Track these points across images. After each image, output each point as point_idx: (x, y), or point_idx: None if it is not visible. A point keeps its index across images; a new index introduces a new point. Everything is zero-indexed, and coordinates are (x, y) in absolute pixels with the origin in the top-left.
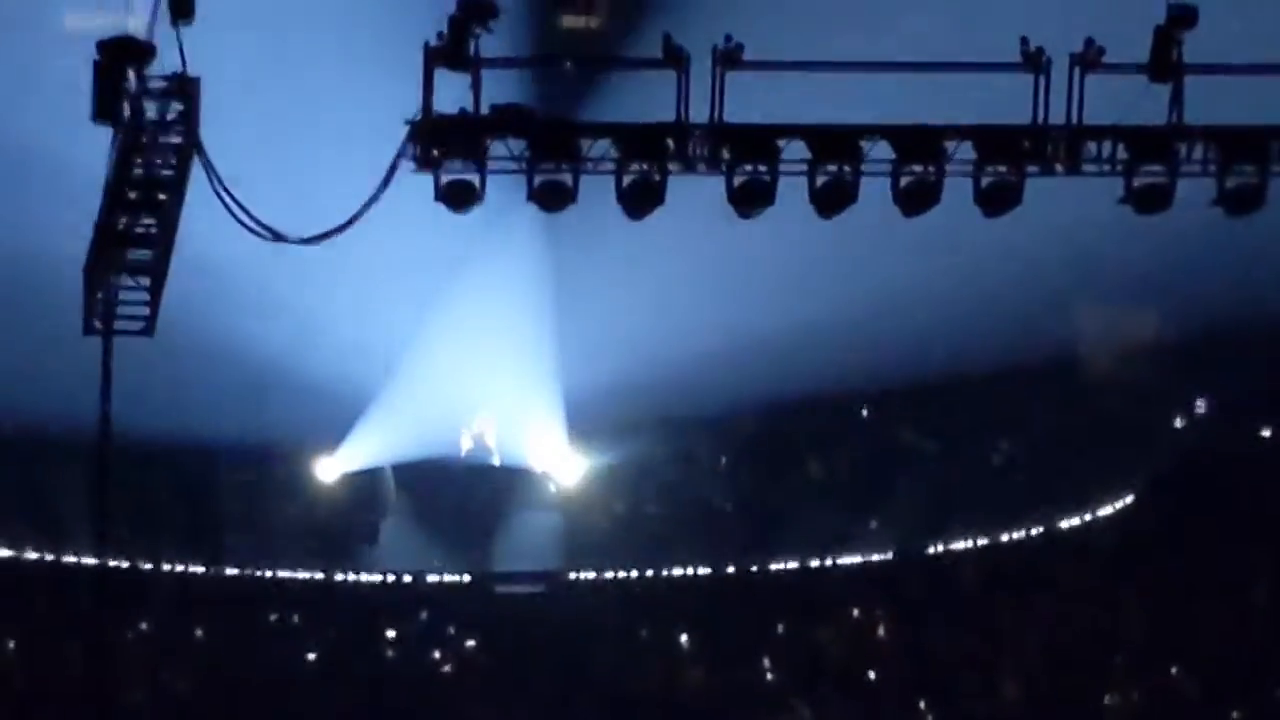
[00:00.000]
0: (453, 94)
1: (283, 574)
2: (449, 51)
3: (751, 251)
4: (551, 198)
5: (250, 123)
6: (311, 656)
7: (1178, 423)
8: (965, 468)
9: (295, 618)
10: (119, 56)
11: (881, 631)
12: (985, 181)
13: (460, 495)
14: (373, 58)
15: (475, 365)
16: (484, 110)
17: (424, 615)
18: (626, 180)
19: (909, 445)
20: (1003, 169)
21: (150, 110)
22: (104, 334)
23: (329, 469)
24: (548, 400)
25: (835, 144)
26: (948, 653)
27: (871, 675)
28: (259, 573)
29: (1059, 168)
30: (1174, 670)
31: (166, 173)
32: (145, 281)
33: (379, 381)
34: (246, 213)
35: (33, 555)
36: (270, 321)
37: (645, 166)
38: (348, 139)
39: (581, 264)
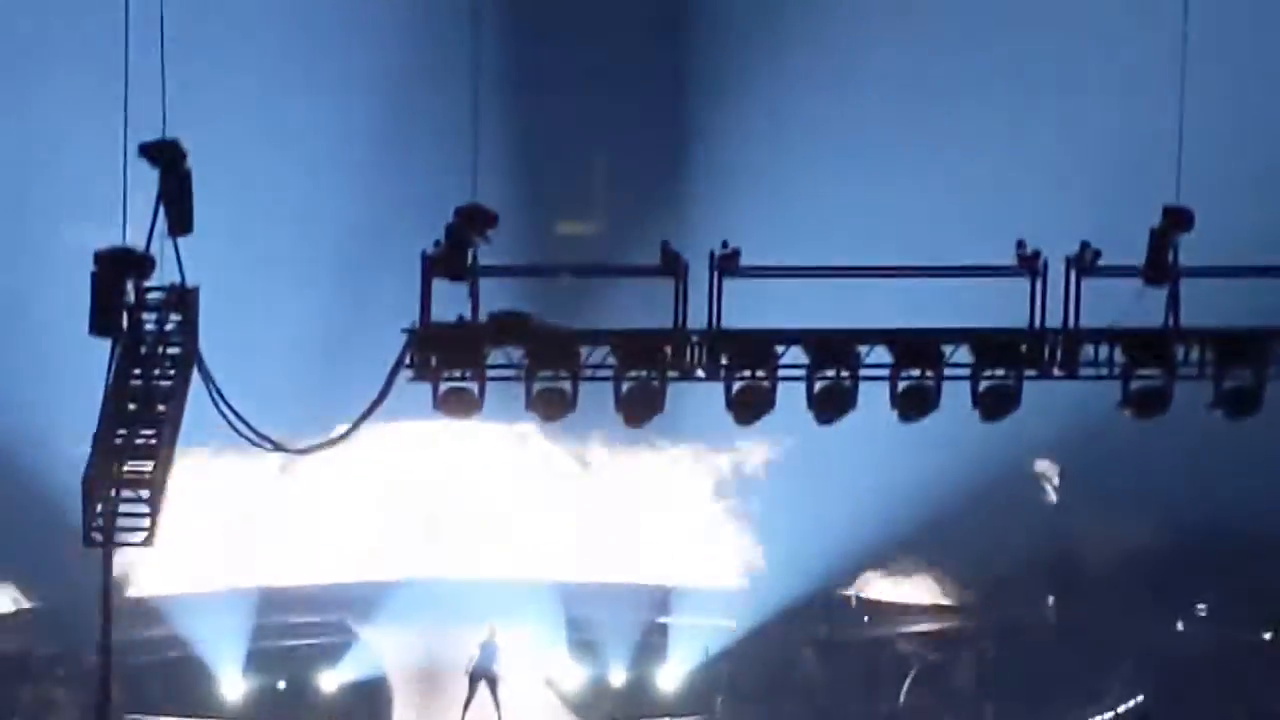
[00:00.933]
0: (451, 301)
1: None
2: (447, 260)
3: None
4: (549, 406)
5: (248, 329)
6: None
7: (1179, 626)
8: (958, 673)
9: None
10: (117, 268)
11: None
12: (983, 385)
13: (465, 700)
14: (371, 266)
15: (480, 577)
16: (482, 318)
17: None
18: (625, 387)
19: (911, 652)
20: (1000, 373)
21: (149, 322)
22: (104, 545)
23: (330, 680)
24: (550, 611)
25: (833, 349)
26: None
27: None
28: None
29: (1057, 371)
30: None
31: (166, 383)
32: (145, 494)
33: (382, 592)
34: (246, 424)
35: None
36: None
37: (644, 374)
38: (347, 347)
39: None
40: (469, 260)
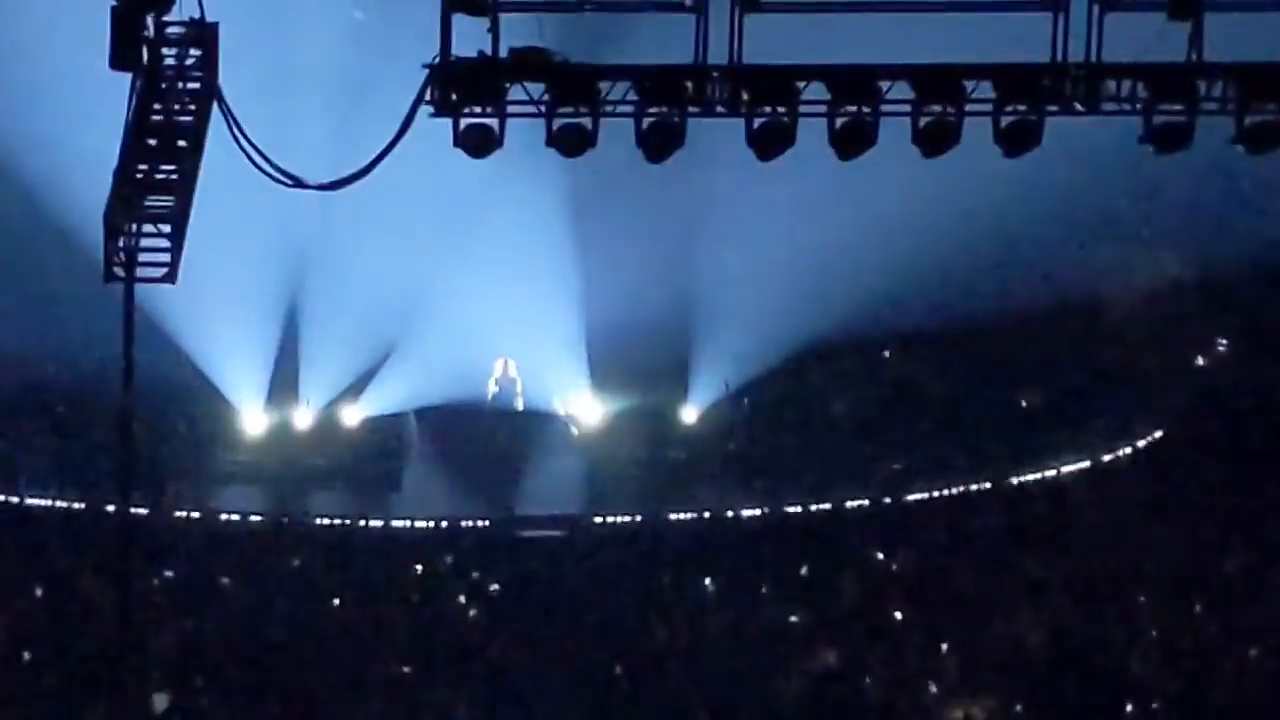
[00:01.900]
0: (471, 38)
1: (306, 519)
2: None
3: (773, 194)
4: (571, 142)
5: (268, 69)
6: (335, 602)
7: (1199, 361)
8: (987, 408)
9: (319, 563)
10: (137, 3)
11: (905, 574)
12: (1005, 121)
13: (483, 440)
14: (390, 2)
15: (498, 310)
16: (503, 54)
17: (448, 560)
18: (646, 123)
19: (931, 387)
20: (1022, 108)
21: (169, 57)
22: (126, 281)
23: (352, 414)
24: (570, 345)
25: (854, 85)
26: (972, 594)
27: (896, 617)
28: (283, 518)
29: (1078, 106)
30: (1197, 609)
31: (186, 119)
32: (166, 229)
33: (402, 327)
34: (266, 159)
35: (58, 503)
36: (291, 268)
37: (664, 109)
38: (366, 84)
39: (603, 208)
40: None
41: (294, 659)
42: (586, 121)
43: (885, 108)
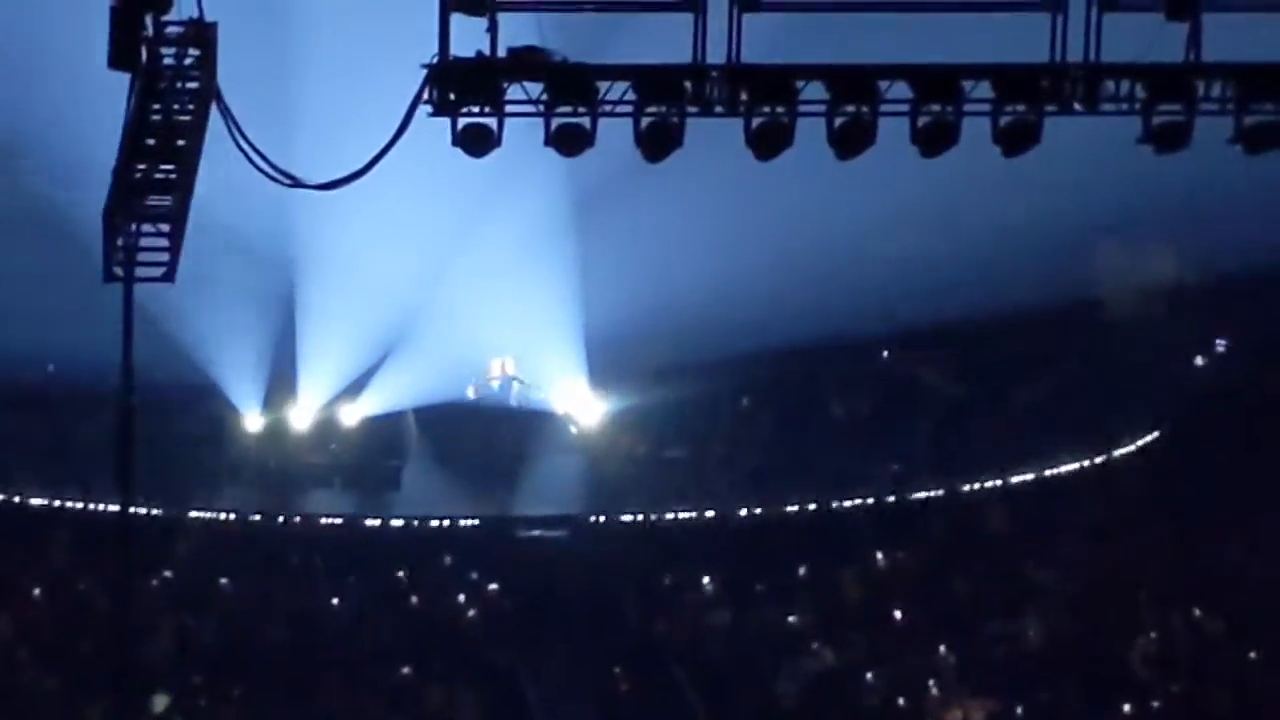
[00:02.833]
0: (470, 38)
1: (306, 519)
2: None
3: (771, 193)
4: (569, 141)
5: (268, 69)
6: (335, 601)
7: (1198, 361)
8: (986, 409)
9: (318, 562)
10: (136, 3)
11: (904, 574)
12: (1003, 121)
13: (482, 439)
14: (389, 2)
15: (496, 309)
16: (501, 54)
17: (446, 559)
18: (644, 123)
19: (930, 387)
20: (1021, 108)
21: (168, 57)
22: (125, 281)
23: (351, 413)
24: (568, 343)
25: (853, 84)
26: (970, 594)
27: (896, 616)
28: (282, 518)
29: (1077, 106)
30: (1196, 611)
31: (185, 119)
32: (165, 228)
33: (401, 326)
34: (264, 158)
35: (57, 503)
36: (291, 267)
37: (663, 109)
38: (365, 84)
39: (602, 207)
40: None
41: (293, 659)
42: (585, 121)
43: (884, 107)
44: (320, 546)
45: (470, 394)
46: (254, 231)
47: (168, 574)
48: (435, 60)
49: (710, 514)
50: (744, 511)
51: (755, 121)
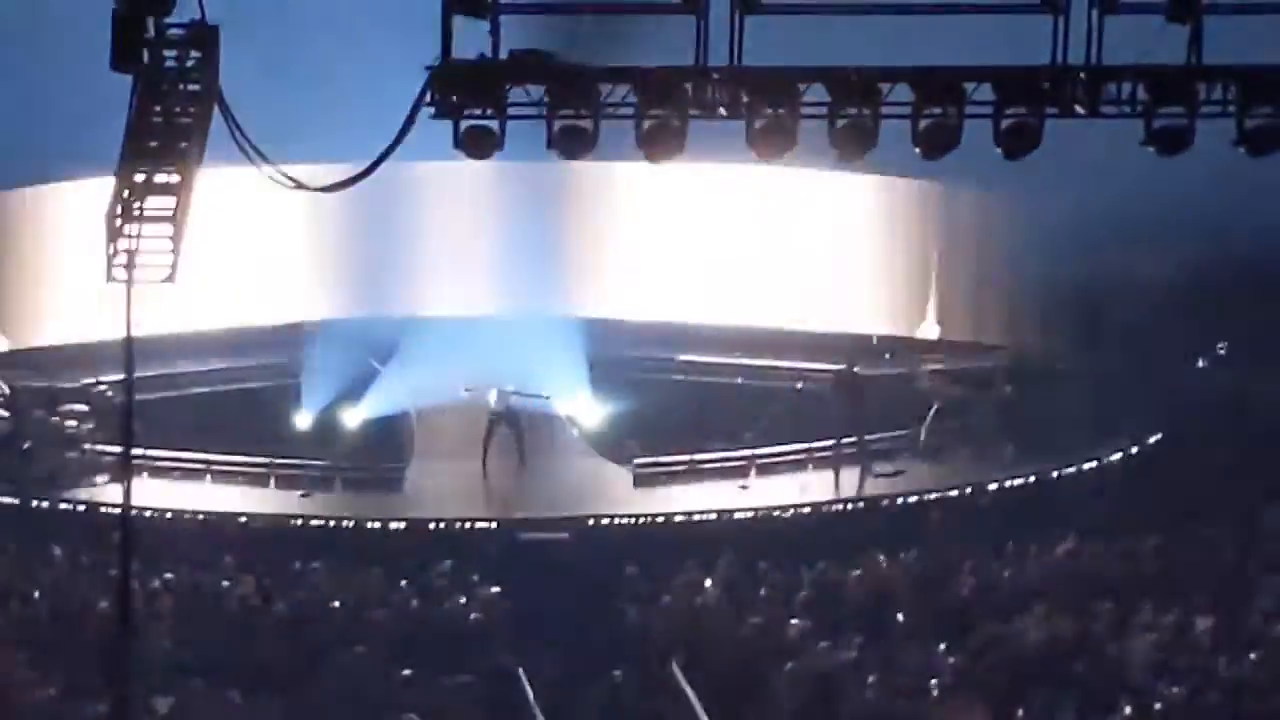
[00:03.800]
0: (472, 40)
1: (306, 520)
2: None
3: (773, 192)
4: (571, 144)
5: (269, 71)
6: (335, 604)
7: (1200, 363)
8: (986, 408)
9: (318, 565)
10: (138, 5)
11: (904, 574)
12: (1005, 123)
13: (483, 440)
14: (391, 4)
15: (498, 312)
16: (503, 56)
17: (447, 563)
18: (646, 125)
19: (930, 387)
20: (1022, 111)
21: (170, 59)
22: (126, 282)
23: (353, 415)
24: (570, 344)
25: (855, 87)
26: (968, 595)
27: (897, 618)
28: (281, 519)
29: (1078, 109)
30: (1198, 612)
31: (186, 120)
32: (167, 230)
33: (402, 328)
34: (266, 160)
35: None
36: (290, 267)
37: (665, 112)
38: (366, 86)
39: (600, 208)
40: None
41: (291, 661)
42: (587, 124)
43: (885, 110)
44: (321, 549)
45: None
46: (255, 233)
47: (169, 575)
48: (437, 62)
49: (717, 514)
50: (751, 512)
51: (757, 124)
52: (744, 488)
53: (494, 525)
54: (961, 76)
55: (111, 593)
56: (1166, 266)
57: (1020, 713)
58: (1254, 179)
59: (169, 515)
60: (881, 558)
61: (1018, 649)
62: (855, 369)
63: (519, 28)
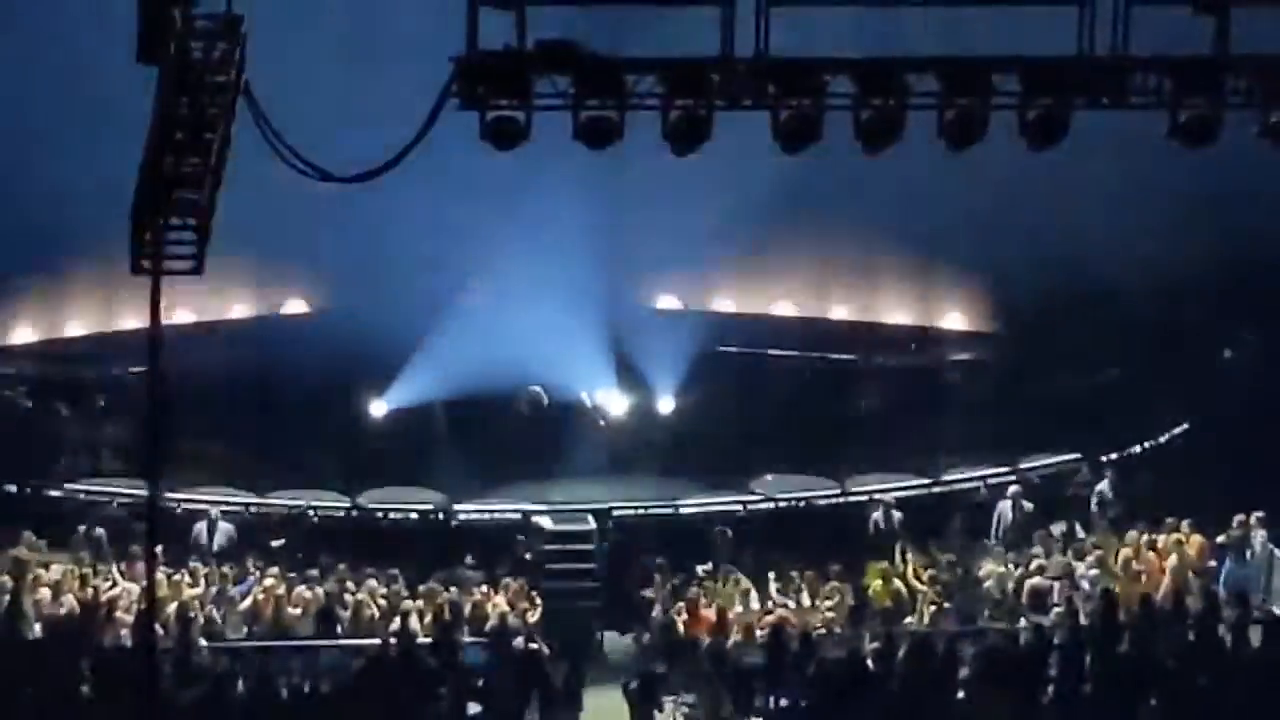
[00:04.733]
0: (498, 31)
1: (332, 509)
2: None
3: (800, 184)
4: (597, 134)
5: (295, 61)
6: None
7: (1225, 354)
8: (1011, 401)
9: (348, 558)
10: None
11: (926, 565)
12: (1031, 114)
13: (511, 430)
14: None
15: (524, 302)
16: (529, 47)
17: (472, 552)
18: (673, 116)
19: (955, 380)
20: (1048, 101)
21: (196, 50)
22: (153, 274)
23: (379, 406)
24: (596, 334)
25: (881, 78)
26: (989, 586)
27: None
28: (310, 509)
29: (1105, 100)
30: (1223, 602)
31: (213, 111)
32: (193, 221)
33: (429, 320)
34: (292, 152)
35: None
36: (317, 259)
37: (691, 102)
38: (393, 76)
39: (630, 198)
40: None
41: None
42: (613, 114)
43: (912, 100)
44: (350, 537)
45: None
46: (282, 223)
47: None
48: (464, 53)
49: (741, 502)
50: (770, 504)
51: (783, 115)
52: None
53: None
54: (988, 67)
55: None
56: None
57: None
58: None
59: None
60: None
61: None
62: None
63: (545, 17)
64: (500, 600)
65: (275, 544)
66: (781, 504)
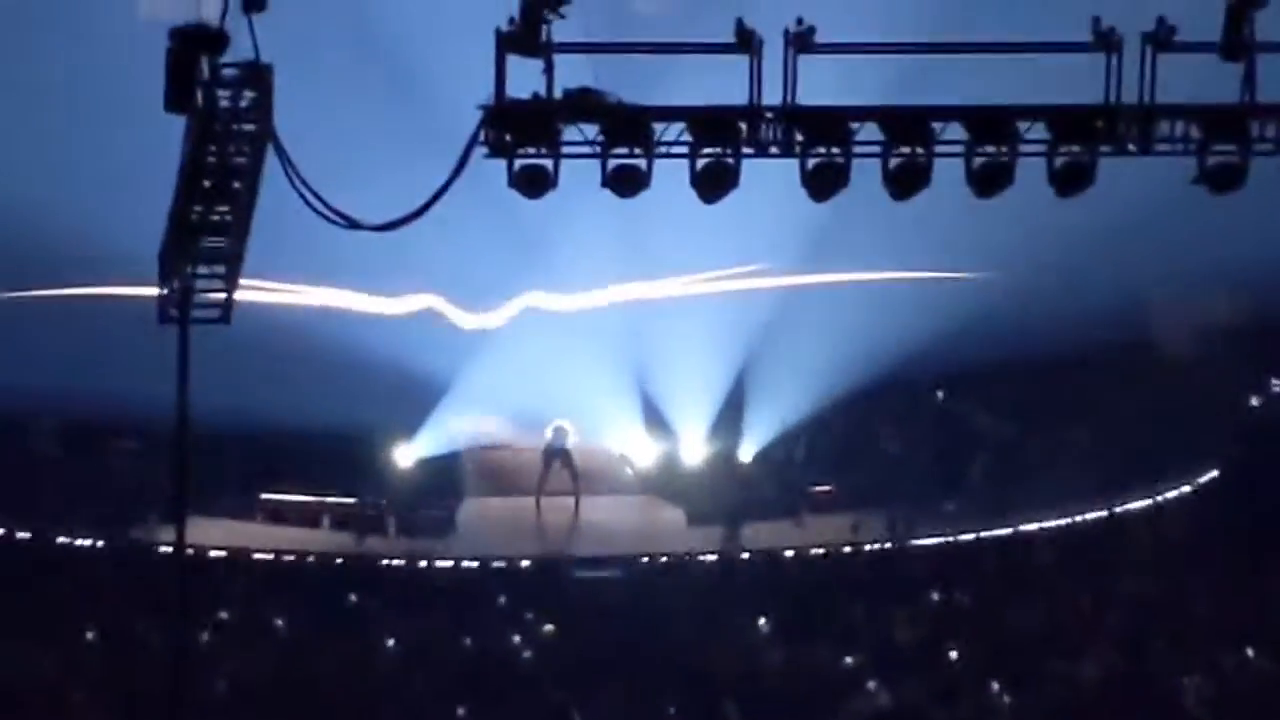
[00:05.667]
0: (526, 80)
1: (362, 559)
2: (521, 37)
3: (824, 231)
4: (625, 183)
5: (323, 109)
6: (390, 642)
7: (1253, 402)
8: (1041, 448)
9: (375, 604)
10: (192, 45)
11: (958, 613)
12: (1058, 162)
13: (537, 478)
14: (444, 44)
15: (553, 351)
16: (557, 96)
17: (502, 600)
18: (700, 164)
19: (984, 427)
20: (1076, 149)
21: (224, 99)
22: (180, 322)
23: (406, 454)
24: (625, 384)
25: (907, 127)
26: (1024, 634)
27: (951, 655)
28: (338, 559)
29: (1132, 147)
30: (1249, 651)
31: (240, 160)
32: (221, 269)
33: (456, 367)
34: (320, 200)
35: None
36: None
37: (719, 150)
38: (420, 125)
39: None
40: (543, 37)
41: (348, 701)
42: (641, 162)
43: (939, 148)
44: (376, 587)
45: (546, 435)
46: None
47: (223, 615)
48: (491, 102)
49: (767, 552)
50: (800, 550)
51: (810, 163)
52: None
53: (548, 563)
54: (1015, 115)
55: (168, 631)
56: (1221, 304)
57: None
58: None
59: (225, 553)
60: (935, 596)
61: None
62: None
63: (572, 67)
64: None
65: None
66: None
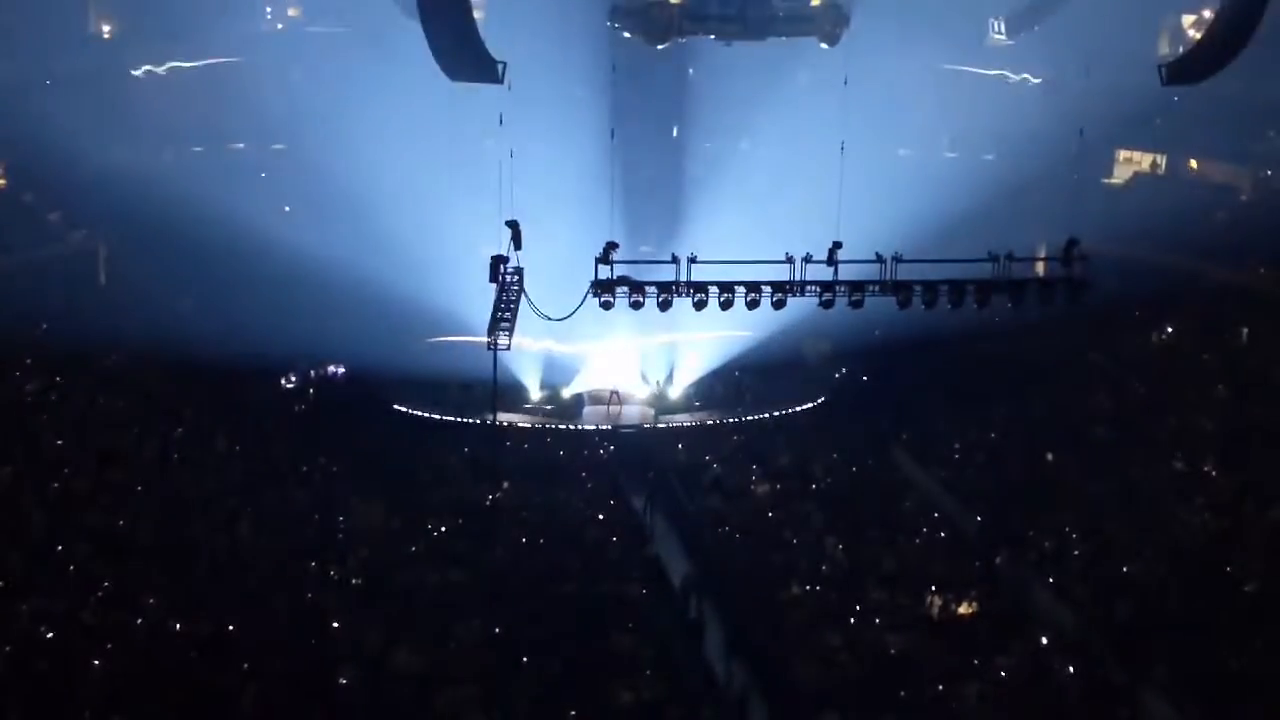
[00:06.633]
0: None
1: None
2: None
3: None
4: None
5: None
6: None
7: None
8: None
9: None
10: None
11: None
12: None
13: (607, 401)
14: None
15: (603, 344)
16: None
17: (596, 439)
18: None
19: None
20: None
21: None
22: (492, 350)
23: (571, 388)
24: (663, 361)
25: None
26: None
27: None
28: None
29: None
30: None
31: (514, 280)
32: (509, 326)
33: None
34: (533, 305)
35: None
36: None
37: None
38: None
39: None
40: None
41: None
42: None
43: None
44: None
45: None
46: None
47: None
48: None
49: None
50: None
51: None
52: None
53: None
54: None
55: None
56: None
57: None
58: None
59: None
60: None
61: None
62: None
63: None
64: None
65: None
66: None
